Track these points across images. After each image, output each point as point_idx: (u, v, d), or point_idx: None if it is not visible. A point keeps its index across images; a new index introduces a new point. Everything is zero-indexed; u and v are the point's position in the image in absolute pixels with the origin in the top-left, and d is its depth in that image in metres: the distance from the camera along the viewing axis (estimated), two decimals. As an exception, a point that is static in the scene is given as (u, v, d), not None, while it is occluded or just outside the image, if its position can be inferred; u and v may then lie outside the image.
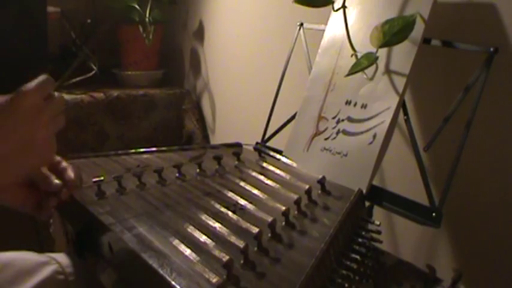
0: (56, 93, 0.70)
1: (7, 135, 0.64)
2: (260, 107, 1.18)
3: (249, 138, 1.07)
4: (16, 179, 0.71)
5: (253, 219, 0.70)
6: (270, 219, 0.66)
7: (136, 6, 1.55)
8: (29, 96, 0.65)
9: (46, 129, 0.67)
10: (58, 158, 0.77)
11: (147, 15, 1.56)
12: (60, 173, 0.76)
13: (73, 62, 0.97)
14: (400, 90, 0.79)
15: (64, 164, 0.77)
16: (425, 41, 0.79)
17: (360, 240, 0.67)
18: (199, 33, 1.63)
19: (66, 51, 1.64)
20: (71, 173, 0.76)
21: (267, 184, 0.82)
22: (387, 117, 0.79)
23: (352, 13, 0.88)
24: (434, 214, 0.71)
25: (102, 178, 0.80)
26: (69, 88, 1.44)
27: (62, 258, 0.82)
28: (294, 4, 0.84)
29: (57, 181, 0.74)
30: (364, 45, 0.84)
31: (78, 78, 1.48)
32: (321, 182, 0.77)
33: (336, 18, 0.92)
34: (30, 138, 0.65)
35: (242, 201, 0.75)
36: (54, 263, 0.79)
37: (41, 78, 0.67)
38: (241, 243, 0.62)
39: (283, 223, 0.68)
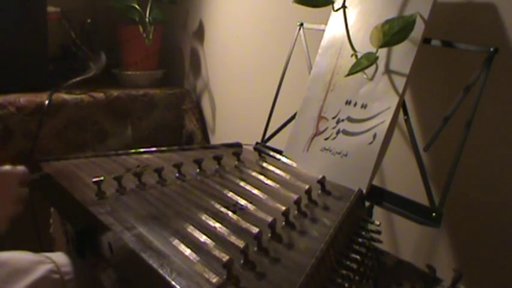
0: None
1: None
2: (260, 107, 1.18)
3: (249, 138, 1.07)
4: None
5: (253, 219, 0.70)
6: (270, 219, 0.66)
7: (137, 6, 1.55)
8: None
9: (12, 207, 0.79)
10: None
11: (147, 15, 1.56)
12: None
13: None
14: (400, 90, 0.79)
15: None
16: (425, 41, 0.79)
17: (360, 240, 0.67)
18: (199, 33, 1.63)
19: (66, 51, 1.63)
20: None
21: (267, 184, 0.82)
22: (387, 117, 0.79)
23: (352, 13, 0.88)
24: (434, 214, 0.71)
25: (102, 178, 0.81)
26: (69, 88, 1.44)
27: (58, 257, 0.82)
28: (294, 4, 0.84)
29: None
30: (364, 45, 0.84)
31: (78, 78, 1.48)
32: (321, 182, 0.77)
33: (336, 18, 0.92)
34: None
35: (242, 201, 0.75)
36: (49, 262, 0.79)
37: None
38: (241, 243, 0.62)
39: (283, 223, 0.68)
